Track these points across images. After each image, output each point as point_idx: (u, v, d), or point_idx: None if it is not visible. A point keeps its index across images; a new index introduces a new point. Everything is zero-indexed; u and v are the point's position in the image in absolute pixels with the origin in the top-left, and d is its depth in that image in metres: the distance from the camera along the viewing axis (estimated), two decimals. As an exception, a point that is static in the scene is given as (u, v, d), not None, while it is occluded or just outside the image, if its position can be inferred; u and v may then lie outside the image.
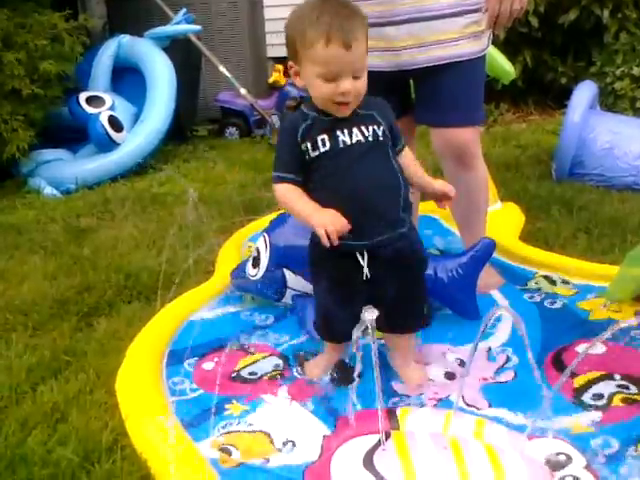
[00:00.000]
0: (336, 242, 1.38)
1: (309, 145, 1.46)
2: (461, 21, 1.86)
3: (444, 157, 2.06)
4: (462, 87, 1.94)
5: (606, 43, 4.62)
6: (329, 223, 1.38)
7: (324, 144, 1.46)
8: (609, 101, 4.47)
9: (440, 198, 1.64)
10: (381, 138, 1.50)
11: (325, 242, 1.38)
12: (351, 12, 1.41)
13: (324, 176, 1.47)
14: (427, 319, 1.67)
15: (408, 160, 1.61)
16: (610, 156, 3.08)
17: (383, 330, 1.63)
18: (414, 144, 2.16)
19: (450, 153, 2.02)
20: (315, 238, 1.49)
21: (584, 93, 3.17)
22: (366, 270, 1.51)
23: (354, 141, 1.46)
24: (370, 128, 1.48)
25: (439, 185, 1.62)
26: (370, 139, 1.48)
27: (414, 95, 2.08)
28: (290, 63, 1.48)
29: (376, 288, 1.54)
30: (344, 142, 1.46)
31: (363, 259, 1.50)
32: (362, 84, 1.43)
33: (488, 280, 2.07)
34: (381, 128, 1.50)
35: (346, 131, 1.46)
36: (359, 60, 1.40)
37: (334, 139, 1.46)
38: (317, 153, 1.46)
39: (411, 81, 2.06)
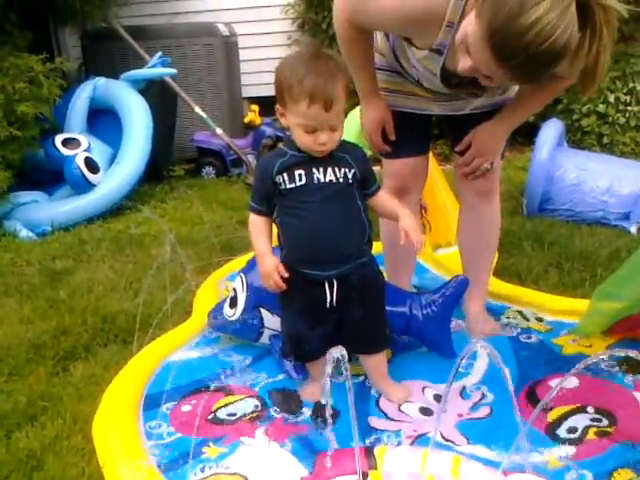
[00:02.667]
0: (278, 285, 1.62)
1: (285, 177, 1.61)
2: None
3: (468, 189, 2.09)
4: None
5: (571, 82, 4.77)
6: (266, 278, 1.63)
7: (300, 179, 1.60)
8: (576, 137, 4.61)
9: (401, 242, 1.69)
10: (350, 180, 1.64)
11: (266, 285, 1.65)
12: (336, 71, 1.53)
13: (296, 208, 1.62)
14: (390, 338, 1.83)
15: (381, 200, 1.72)
16: (578, 191, 3.17)
17: (354, 352, 1.77)
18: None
19: (476, 186, 2.05)
20: (286, 264, 1.66)
21: (550, 131, 3.27)
22: (329, 298, 1.66)
23: (327, 180, 1.61)
24: (342, 170, 1.62)
25: (402, 224, 1.65)
26: (341, 180, 1.62)
27: (450, 132, 2.13)
28: (277, 105, 1.60)
29: (343, 311, 1.69)
30: (318, 179, 1.60)
31: (331, 287, 1.66)
32: (338, 134, 1.58)
33: (483, 327, 2.10)
34: (352, 171, 1.63)
35: (321, 169, 1.60)
36: (337, 117, 1.55)
37: (310, 175, 1.60)
38: (293, 185, 1.61)
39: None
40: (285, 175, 1.60)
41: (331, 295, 1.66)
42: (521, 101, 1.87)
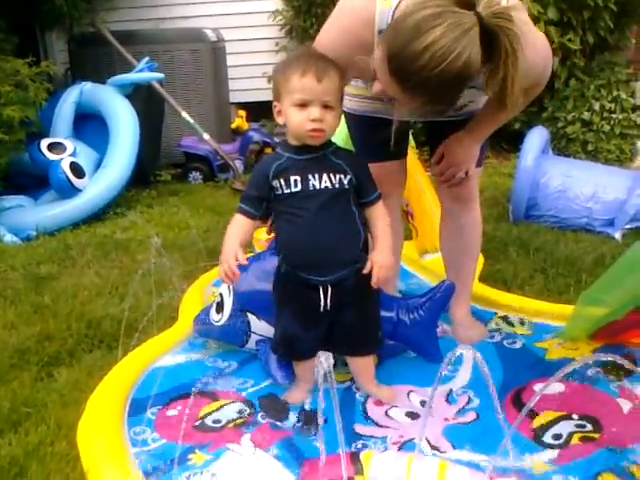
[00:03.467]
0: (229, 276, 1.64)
1: (282, 182, 1.62)
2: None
3: (445, 195, 2.13)
4: None
5: (556, 90, 4.82)
6: (224, 262, 1.63)
7: (296, 185, 1.62)
8: (561, 144, 4.66)
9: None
10: (346, 186, 1.64)
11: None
12: (328, 63, 1.58)
13: (292, 214, 1.64)
14: (381, 341, 1.82)
15: (375, 217, 1.70)
16: (563, 198, 3.20)
17: (345, 354, 1.81)
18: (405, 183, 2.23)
19: (454, 192, 2.07)
20: (281, 268, 1.71)
21: (535, 138, 3.30)
22: (323, 302, 1.67)
23: (322, 187, 1.62)
24: (337, 176, 1.63)
25: (373, 256, 1.67)
26: (337, 186, 1.63)
27: (429, 140, 2.15)
28: (274, 103, 1.62)
29: (337, 314, 1.70)
30: (314, 186, 1.61)
31: (325, 292, 1.67)
32: (333, 117, 1.58)
33: (470, 332, 2.11)
34: (347, 177, 1.64)
35: (317, 175, 1.61)
36: (329, 93, 1.55)
37: (305, 181, 1.61)
38: (289, 191, 1.62)
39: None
40: (282, 180, 1.62)
41: (325, 299, 1.67)
42: (485, 112, 1.88)
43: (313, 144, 1.61)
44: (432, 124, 2.06)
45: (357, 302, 1.71)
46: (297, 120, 1.56)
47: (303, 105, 1.55)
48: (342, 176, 1.63)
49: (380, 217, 1.70)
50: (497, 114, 1.85)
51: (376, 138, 1.97)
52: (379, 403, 1.78)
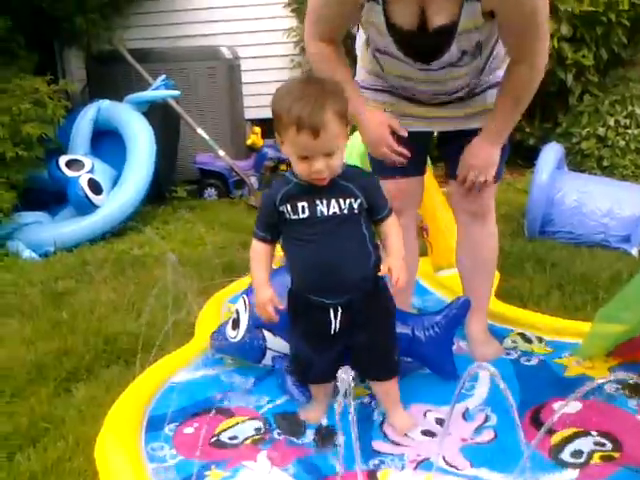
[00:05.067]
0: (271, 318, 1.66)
1: (289, 208, 1.60)
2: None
3: (461, 210, 2.13)
4: None
5: (571, 105, 4.81)
6: (261, 309, 1.66)
7: (303, 211, 1.59)
8: (576, 160, 4.63)
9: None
10: (356, 211, 1.61)
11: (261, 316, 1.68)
12: (324, 95, 1.49)
13: (300, 239, 1.62)
14: (399, 367, 1.78)
15: (388, 230, 1.67)
16: (579, 214, 3.19)
17: (363, 377, 1.80)
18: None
19: (468, 207, 2.09)
20: (292, 288, 1.71)
21: (550, 154, 3.30)
22: (334, 324, 1.66)
23: (331, 213, 1.59)
24: (347, 201, 1.59)
25: (388, 260, 1.64)
26: (345, 212, 1.59)
27: (444, 154, 2.16)
28: (276, 134, 1.59)
29: (349, 337, 1.68)
30: (322, 212, 1.58)
31: (335, 314, 1.65)
32: (336, 160, 1.54)
33: (486, 349, 2.09)
34: (357, 201, 1.60)
35: (325, 201, 1.58)
36: (329, 143, 1.50)
37: (313, 208, 1.59)
38: (296, 217, 1.60)
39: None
40: (289, 206, 1.60)
41: (335, 321, 1.66)
42: (496, 108, 1.90)
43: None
44: (445, 136, 2.07)
45: (369, 324, 1.69)
46: (300, 169, 1.55)
47: (305, 158, 1.52)
48: (352, 200, 1.59)
49: (392, 231, 1.68)
50: (510, 106, 1.87)
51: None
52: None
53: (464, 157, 1.97)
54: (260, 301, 1.65)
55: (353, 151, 3.20)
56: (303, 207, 1.59)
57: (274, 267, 2.43)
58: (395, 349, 1.77)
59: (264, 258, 1.68)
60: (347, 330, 1.67)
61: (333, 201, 1.58)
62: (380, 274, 1.62)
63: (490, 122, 1.92)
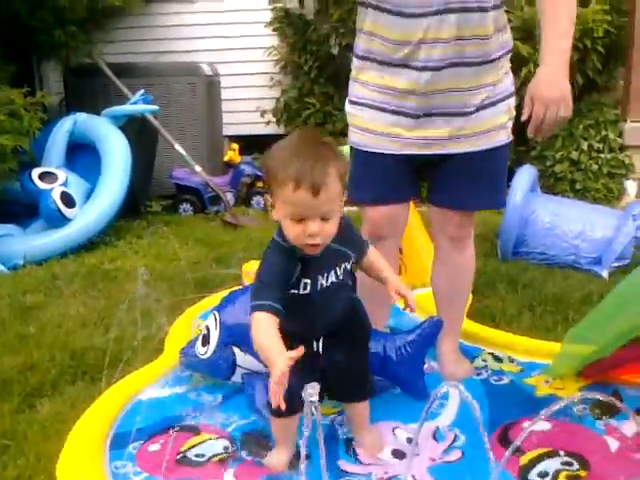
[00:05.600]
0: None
1: (295, 285, 1.52)
2: (494, 110, 1.88)
3: (442, 234, 2.08)
4: (490, 172, 1.97)
5: (545, 129, 4.88)
6: (278, 384, 1.32)
7: (305, 288, 1.52)
8: (550, 183, 4.70)
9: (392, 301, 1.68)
10: (349, 273, 1.61)
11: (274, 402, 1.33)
12: (325, 155, 1.43)
13: (294, 303, 1.51)
14: (373, 389, 1.76)
15: (373, 260, 1.68)
16: (551, 236, 3.22)
17: (340, 399, 1.75)
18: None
19: (450, 233, 2.05)
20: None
21: (524, 176, 3.34)
22: (316, 347, 1.64)
23: (329, 283, 1.55)
24: (342, 266, 1.58)
25: (394, 286, 1.64)
26: (341, 277, 1.58)
27: (428, 177, 2.06)
28: (267, 196, 1.52)
29: (328, 363, 1.64)
30: (321, 285, 1.54)
31: (317, 344, 1.64)
32: (331, 226, 1.46)
33: (455, 368, 2.08)
34: (351, 261, 1.60)
35: (325, 274, 1.54)
36: (327, 204, 1.41)
37: (314, 283, 1.53)
38: (296, 292, 1.52)
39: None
40: (296, 283, 1.51)
41: (318, 343, 1.65)
42: (545, 14, 1.75)
43: (310, 254, 1.49)
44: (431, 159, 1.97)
45: (348, 343, 1.68)
46: (293, 233, 1.44)
47: (299, 220, 1.42)
48: (347, 264, 1.58)
49: (376, 258, 1.69)
50: (555, 15, 1.72)
51: (383, 176, 1.94)
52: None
53: (535, 92, 1.73)
54: (280, 375, 1.32)
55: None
56: (305, 284, 1.52)
57: (246, 284, 2.44)
58: (368, 370, 1.76)
59: (274, 330, 1.42)
60: (329, 353, 1.65)
61: (332, 272, 1.55)
62: (392, 303, 1.63)
63: (548, 38, 1.74)
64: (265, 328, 1.42)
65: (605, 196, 4.62)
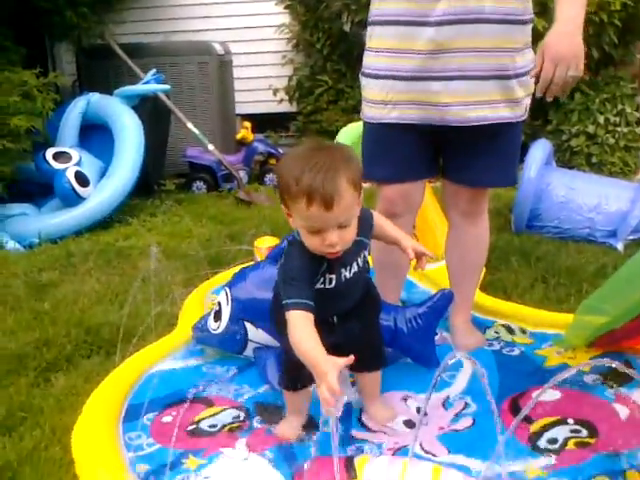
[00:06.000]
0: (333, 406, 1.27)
1: (319, 281, 1.52)
2: (507, 84, 1.83)
3: (454, 209, 2.07)
4: (501, 149, 1.94)
5: (561, 103, 4.82)
6: (324, 387, 1.27)
7: (330, 282, 1.52)
8: (565, 157, 4.65)
9: (417, 257, 1.66)
10: (367, 259, 1.61)
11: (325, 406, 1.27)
12: (337, 163, 1.39)
13: (319, 297, 1.49)
14: (385, 359, 1.77)
15: (379, 229, 1.67)
16: (566, 209, 3.19)
17: (353, 370, 1.70)
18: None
19: (461, 208, 2.04)
20: (278, 291, 1.56)
21: (539, 151, 3.30)
22: (331, 320, 1.62)
23: (352, 275, 1.55)
24: (362, 255, 1.58)
25: (406, 244, 1.65)
26: (361, 265, 1.58)
27: (442, 152, 2.02)
28: (282, 206, 1.49)
29: (342, 333, 1.62)
30: (345, 277, 1.54)
31: (333, 318, 1.63)
32: (350, 232, 1.45)
33: (467, 339, 2.08)
34: (368, 248, 1.60)
35: (348, 267, 1.54)
36: (343, 214, 1.40)
37: (338, 277, 1.53)
38: (321, 287, 1.52)
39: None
40: (320, 279, 1.52)
41: (333, 319, 1.64)
42: None
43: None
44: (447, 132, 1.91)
45: (362, 315, 1.68)
46: (312, 244, 1.44)
47: (316, 231, 1.41)
48: (365, 252, 1.58)
49: (382, 221, 1.68)
50: None
51: (400, 153, 1.90)
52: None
53: (545, 49, 1.66)
54: (327, 376, 1.27)
55: (347, 137, 3.20)
56: (331, 279, 1.52)
57: (258, 259, 2.45)
58: (382, 339, 1.78)
59: (312, 327, 1.41)
60: (343, 325, 1.64)
61: (354, 264, 1.55)
62: (412, 261, 1.63)
63: (563, 5, 1.69)
64: (304, 330, 1.41)
65: (621, 170, 4.56)
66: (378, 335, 1.77)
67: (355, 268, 1.55)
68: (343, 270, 1.53)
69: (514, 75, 1.83)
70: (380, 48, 1.89)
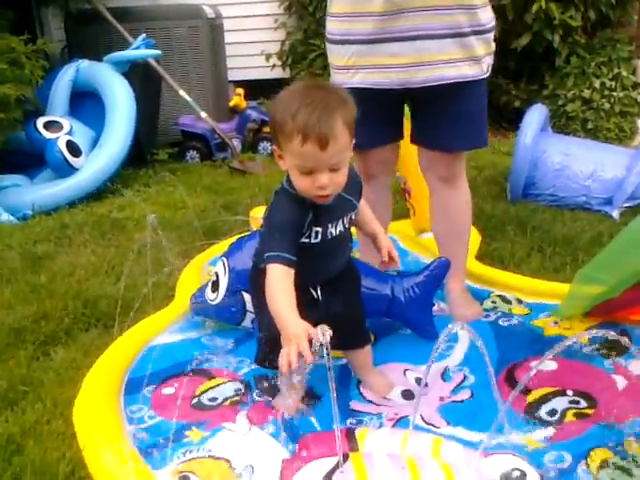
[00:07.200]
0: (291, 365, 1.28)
1: (307, 234, 1.50)
2: (466, 42, 1.84)
3: (431, 175, 2.10)
4: (467, 109, 1.95)
5: (557, 67, 4.77)
6: (292, 343, 1.29)
7: (316, 236, 1.51)
8: (561, 123, 4.62)
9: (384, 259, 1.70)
10: (353, 221, 1.62)
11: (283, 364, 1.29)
12: (333, 103, 1.38)
13: (300, 255, 1.47)
14: (369, 335, 1.80)
15: (361, 216, 1.69)
16: (562, 177, 3.18)
17: (338, 348, 1.69)
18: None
19: (438, 172, 2.06)
20: (260, 265, 1.53)
21: (534, 116, 3.27)
22: (317, 294, 1.63)
23: (337, 232, 1.55)
24: (349, 216, 1.58)
25: (384, 243, 1.70)
26: (347, 226, 1.58)
27: (412, 117, 2.08)
28: (274, 147, 1.48)
29: (325, 309, 1.62)
30: (331, 234, 1.54)
31: (317, 292, 1.63)
32: (341, 176, 1.43)
33: (465, 310, 2.10)
34: (355, 211, 1.60)
35: (335, 223, 1.54)
36: (336, 156, 1.39)
37: (324, 232, 1.52)
38: (307, 241, 1.50)
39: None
40: (308, 232, 1.49)
41: (316, 292, 1.64)
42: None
43: (320, 203, 1.47)
44: (415, 98, 1.96)
45: (344, 292, 1.69)
46: (302, 185, 1.42)
47: (308, 172, 1.40)
48: (352, 214, 1.58)
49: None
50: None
51: (372, 120, 1.86)
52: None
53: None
54: (293, 333, 1.31)
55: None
56: (317, 232, 1.50)
57: (254, 229, 2.44)
58: (364, 316, 1.78)
59: (289, 283, 1.41)
60: (326, 300, 1.64)
61: (340, 221, 1.55)
62: (384, 260, 1.67)
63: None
64: (281, 285, 1.40)
65: (617, 135, 4.54)
66: (360, 312, 1.77)
67: (340, 226, 1.55)
68: (329, 225, 1.52)
69: (472, 32, 1.85)
70: (338, 13, 1.91)
